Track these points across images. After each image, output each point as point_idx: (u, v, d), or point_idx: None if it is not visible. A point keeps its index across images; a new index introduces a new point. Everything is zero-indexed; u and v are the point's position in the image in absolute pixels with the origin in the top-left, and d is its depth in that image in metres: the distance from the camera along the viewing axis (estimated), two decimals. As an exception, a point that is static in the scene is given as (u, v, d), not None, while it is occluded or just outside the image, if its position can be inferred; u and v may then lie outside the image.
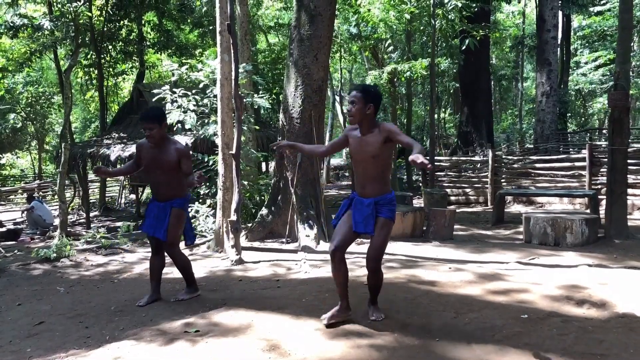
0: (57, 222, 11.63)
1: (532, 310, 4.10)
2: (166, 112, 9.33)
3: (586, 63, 23.69)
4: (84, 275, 6.67)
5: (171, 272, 6.47)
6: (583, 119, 26.02)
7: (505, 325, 3.78)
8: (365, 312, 4.10)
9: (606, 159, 8.86)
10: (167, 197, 4.71)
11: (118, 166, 14.45)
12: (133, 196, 19.40)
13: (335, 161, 32.15)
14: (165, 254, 4.89)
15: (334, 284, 4.90)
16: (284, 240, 8.18)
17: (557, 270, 5.57)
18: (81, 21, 16.81)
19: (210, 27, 18.73)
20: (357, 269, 5.82)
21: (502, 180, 13.66)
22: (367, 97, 3.73)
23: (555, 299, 4.39)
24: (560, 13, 19.77)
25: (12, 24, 15.63)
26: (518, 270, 5.62)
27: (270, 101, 10.24)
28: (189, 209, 9.46)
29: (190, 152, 5.03)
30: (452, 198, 14.11)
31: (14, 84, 23.92)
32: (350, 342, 3.57)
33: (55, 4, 17.64)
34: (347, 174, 29.24)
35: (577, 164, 12.54)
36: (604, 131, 20.54)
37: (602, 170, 11.63)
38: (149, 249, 8.12)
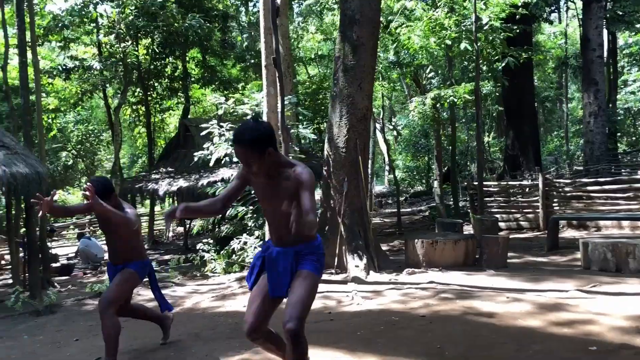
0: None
1: (600, 343, 3.89)
2: (214, 145, 9.49)
3: (634, 81, 23.09)
4: (137, 309, 6.73)
5: (222, 305, 6.49)
6: (634, 138, 25.21)
7: (574, 358, 3.60)
8: (419, 351, 3.99)
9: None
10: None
11: (166, 200, 14.75)
12: (181, 229, 19.68)
13: (379, 188, 31.96)
14: None
15: (388, 316, 4.83)
16: (332, 271, 8.10)
17: (622, 298, 5.30)
18: (129, 60, 17.50)
19: (252, 61, 19.10)
20: (411, 301, 5.70)
21: (554, 204, 13.26)
22: (257, 145, 2.86)
23: (625, 330, 4.16)
24: (605, 31, 19.37)
25: (64, 67, 16.34)
26: (580, 298, 5.38)
27: (313, 131, 10.28)
28: (239, 241, 9.50)
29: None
30: (502, 224, 13.73)
31: (66, 123, 24.85)
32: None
33: (104, 45, 18.42)
34: (390, 202, 28.96)
35: (633, 185, 12.06)
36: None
37: (660, 191, 11.16)
38: (200, 282, 8.24)
